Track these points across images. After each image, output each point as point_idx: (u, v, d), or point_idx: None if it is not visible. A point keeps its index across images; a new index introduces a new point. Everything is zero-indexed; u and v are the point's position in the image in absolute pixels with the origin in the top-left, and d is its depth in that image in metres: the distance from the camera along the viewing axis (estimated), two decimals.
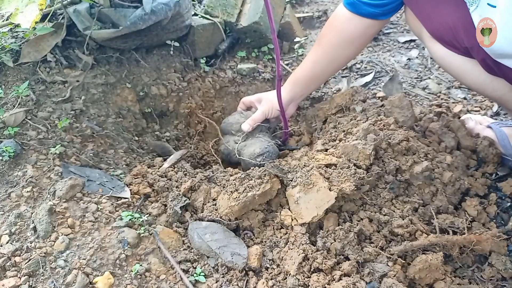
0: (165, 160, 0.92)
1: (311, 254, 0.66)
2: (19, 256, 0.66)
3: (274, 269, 0.68)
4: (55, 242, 0.67)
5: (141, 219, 0.73)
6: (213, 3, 1.19)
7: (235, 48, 1.22)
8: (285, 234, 0.71)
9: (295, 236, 0.69)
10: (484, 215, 0.77)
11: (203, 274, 0.68)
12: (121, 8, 0.95)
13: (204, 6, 1.21)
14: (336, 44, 0.88)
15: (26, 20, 0.77)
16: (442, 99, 1.07)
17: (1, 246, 0.67)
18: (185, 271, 0.69)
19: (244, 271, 0.69)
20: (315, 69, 0.92)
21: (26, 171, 0.77)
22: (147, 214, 0.76)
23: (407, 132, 0.83)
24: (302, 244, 0.67)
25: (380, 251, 0.67)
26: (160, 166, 0.89)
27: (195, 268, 0.69)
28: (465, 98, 1.08)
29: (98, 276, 0.65)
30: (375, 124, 0.84)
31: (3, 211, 0.71)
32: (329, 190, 0.69)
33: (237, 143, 0.96)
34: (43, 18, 0.98)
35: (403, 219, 0.70)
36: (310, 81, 0.95)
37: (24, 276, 0.63)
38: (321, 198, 0.68)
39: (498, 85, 0.74)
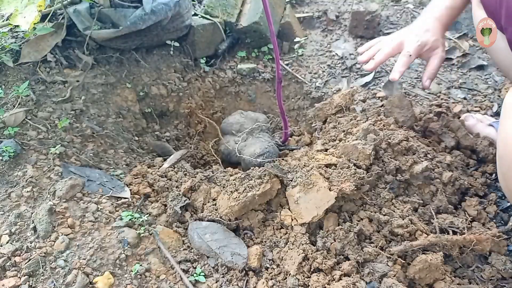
0: (165, 160, 0.92)
1: (311, 254, 0.66)
2: (19, 256, 0.66)
3: (274, 269, 0.68)
4: (55, 242, 0.67)
5: (141, 219, 0.73)
6: (213, 3, 1.19)
7: (235, 48, 1.22)
8: (285, 234, 0.71)
9: (295, 236, 0.69)
10: (484, 215, 0.77)
11: (203, 274, 0.68)
12: (121, 8, 0.95)
13: (204, 6, 1.21)
14: None
15: (25, 22, 0.77)
16: (442, 99, 1.07)
17: (1, 246, 0.67)
18: (185, 271, 0.69)
19: (244, 271, 0.69)
20: None
21: (26, 171, 0.77)
22: (147, 214, 0.76)
23: (407, 132, 0.83)
24: (302, 244, 0.67)
25: (380, 251, 0.67)
26: (160, 166, 0.89)
27: (195, 268, 0.69)
28: (465, 98, 1.08)
29: (98, 276, 0.65)
30: (375, 124, 0.84)
31: (3, 211, 0.71)
32: (329, 190, 0.69)
33: (237, 143, 0.96)
34: (43, 18, 0.98)
35: (403, 219, 0.70)
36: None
37: (24, 276, 0.63)
38: (321, 198, 0.68)
39: None
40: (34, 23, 0.78)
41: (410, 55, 0.81)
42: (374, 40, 0.89)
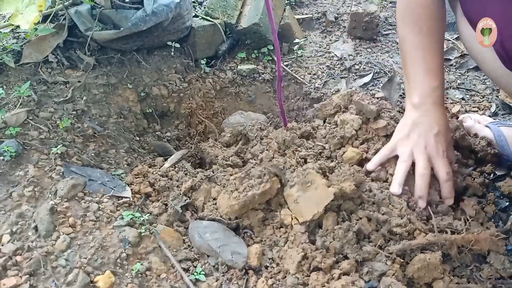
0: (166, 160, 0.93)
1: (311, 253, 0.67)
2: (20, 255, 0.66)
3: (273, 268, 0.68)
4: (56, 241, 0.68)
5: (142, 219, 0.74)
6: (213, 5, 1.20)
7: (235, 49, 1.23)
8: (285, 233, 0.72)
9: (294, 235, 0.70)
10: (483, 215, 0.77)
11: (204, 273, 0.68)
12: (122, 10, 0.96)
13: (204, 8, 1.22)
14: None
15: (25, 22, 0.78)
16: None
17: (2, 245, 0.67)
18: (186, 270, 0.69)
19: (244, 270, 0.69)
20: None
21: (28, 171, 0.77)
22: (148, 213, 0.77)
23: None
24: (302, 243, 0.68)
25: (379, 250, 0.67)
26: (161, 166, 0.90)
27: (196, 267, 0.70)
28: (463, 99, 1.08)
29: (99, 275, 0.65)
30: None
31: (4, 210, 0.72)
32: (328, 186, 0.69)
33: None
34: (44, 19, 0.99)
35: (401, 218, 0.71)
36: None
37: (25, 275, 0.64)
38: (320, 195, 0.69)
39: None
40: (35, 23, 0.79)
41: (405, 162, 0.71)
42: (385, 155, 0.75)
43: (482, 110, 1.04)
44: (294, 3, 1.46)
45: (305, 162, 0.84)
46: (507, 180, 0.83)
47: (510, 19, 0.62)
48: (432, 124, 0.73)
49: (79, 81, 0.95)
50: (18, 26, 0.85)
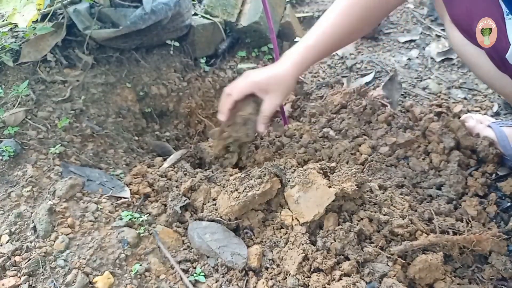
0: (165, 160, 0.92)
1: (311, 254, 0.66)
2: (19, 255, 0.66)
3: (274, 269, 0.68)
4: (55, 241, 0.67)
5: (141, 219, 0.73)
6: (213, 3, 1.19)
7: (235, 48, 1.22)
8: (285, 234, 0.71)
9: (295, 236, 0.69)
10: (484, 215, 0.77)
11: (203, 274, 0.68)
12: (121, 8, 0.96)
13: (204, 6, 1.21)
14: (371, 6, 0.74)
15: (23, 20, 0.78)
16: (442, 99, 1.08)
17: (1, 245, 0.67)
18: (185, 271, 0.69)
19: (244, 271, 0.68)
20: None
21: (26, 170, 0.77)
22: (147, 214, 0.76)
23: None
24: (302, 244, 0.67)
25: (380, 251, 0.67)
26: (160, 166, 0.89)
27: (195, 268, 0.69)
28: (465, 98, 1.08)
29: (98, 275, 0.65)
30: None
31: (3, 210, 0.71)
32: (329, 187, 0.69)
33: None
34: (43, 18, 0.98)
35: (403, 219, 0.70)
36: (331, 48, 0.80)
37: (24, 275, 0.63)
38: (321, 195, 0.68)
39: (507, 83, 0.73)
40: (33, 21, 0.78)
41: (229, 95, 0.80)
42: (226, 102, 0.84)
43: (484, 109, 1.03)
44: (295, 1, 1.45)
45: (306, 162, 0.84)
46: (509, 180, 0.83)
47: (497, 22, 0.62)
48: (266, 74, 0.79)
49: (78, 80, 0.95)
50: (16, 25, 0.85)
